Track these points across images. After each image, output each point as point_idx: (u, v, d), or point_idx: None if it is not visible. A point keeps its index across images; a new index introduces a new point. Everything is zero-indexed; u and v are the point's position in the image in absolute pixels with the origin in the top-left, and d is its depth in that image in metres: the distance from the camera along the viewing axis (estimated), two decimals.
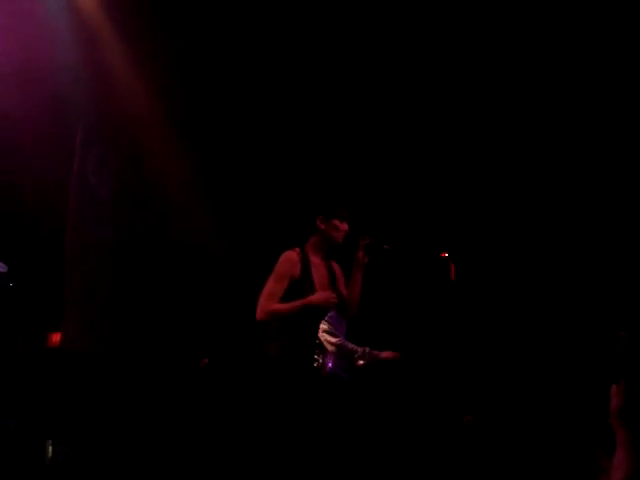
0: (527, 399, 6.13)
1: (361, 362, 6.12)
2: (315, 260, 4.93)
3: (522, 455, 5.42)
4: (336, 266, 5.07)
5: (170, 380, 6.05)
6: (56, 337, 6.45)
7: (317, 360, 6.15)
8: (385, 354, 6.11)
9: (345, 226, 4.95)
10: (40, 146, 6.57)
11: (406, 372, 6.07)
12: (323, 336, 6.09)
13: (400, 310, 6.82)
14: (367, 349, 6.10)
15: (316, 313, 4.94)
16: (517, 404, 6.13)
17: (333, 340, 6.07)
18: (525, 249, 6.73)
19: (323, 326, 6.10)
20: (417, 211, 7.05)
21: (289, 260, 4.82)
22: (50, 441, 5.17)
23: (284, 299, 4.77)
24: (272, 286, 4.75)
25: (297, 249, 4.88)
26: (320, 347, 6.15)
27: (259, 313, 4.71)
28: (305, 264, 4.85)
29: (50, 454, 5.13)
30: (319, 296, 4.76)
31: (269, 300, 4.71)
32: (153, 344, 6.72)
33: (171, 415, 5.67)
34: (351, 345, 6.11)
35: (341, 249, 5.00)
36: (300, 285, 4.81)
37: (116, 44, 6.66)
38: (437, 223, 6.94)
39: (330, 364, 6.16)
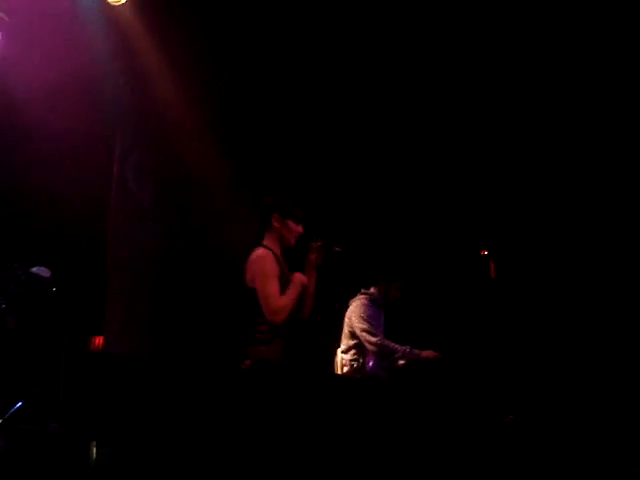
0: (567, 397, 6.06)
1: (402, 362, 6.11)
2: (281, 259, 4.94)
3: (561, 454, 5.35)
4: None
5: (211, 384, 6.07)
6: (99, 340, 6.53)
7: (357, 360, 6.16)
8: (426, 353, 6.09)
9: (299, 228, 4.97)
10: (81, 154, 6.68)
11: (446, 372, 6.03)
12: (362, 336, 6.09)
13: (440, 309, 6.80)
14: (408, 348, 6.08)
15: (297, 310, 4.91)
16: (558, 402, 6.07)
17: (373, 339, 6.06)
18: (563, 248, 6.67)
19: (362, 325, 6.10)
20: (456, 209, 7.01)
21: (270, 258, 4.83)
22: (94, 443, 5.22)
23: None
24: (273, 284, 4.74)
25: (262, 248, 4.90)
26: (360, 347, 6.16)
27: (279, 315, 4.72)
28: (278, 260, 4.88)
29: (94, 456, 5.18)
30: (301, 277, 4.82)
31: (280, 298, 4.73)
32: (194, 347, 6.77)
33: (211, 419, 5.68)
34: (392, 344, 6.10)
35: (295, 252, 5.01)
36: (285, 282, 4.82)
37: (153, 52, 6.74)
38: (476, 221, 6.90)
39: (370, 363, 6.15)
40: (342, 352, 6.22)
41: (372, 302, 6.24)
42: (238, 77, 6.92)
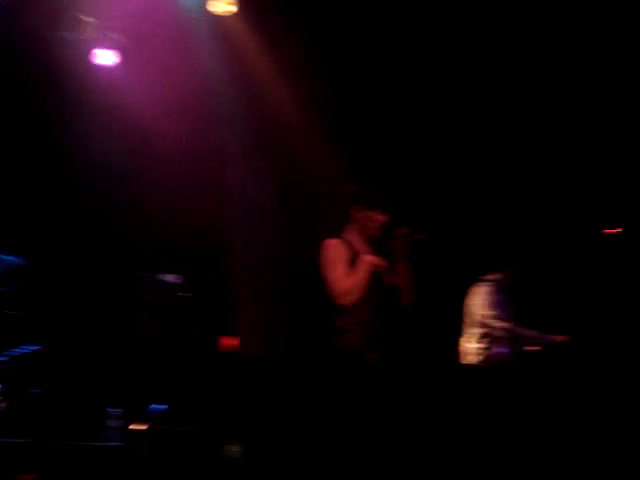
0: None
1: (532, 347, 6.01)
2: (360, 248, 4.78)
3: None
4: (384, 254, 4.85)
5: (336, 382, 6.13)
6: (228, 341, 6.71)
7: (483, 348, 6.09)
8: (557, 338, 5.97)
9: (383, 217, 4.80)
10: (200, 163, 6.90)
11: (577, 356, 5.90)
12: (491, 322, 6.02)
13: (568, 292, 6.64)
14: (538, 333, 5.98)
15: (372, 296, 4.75)
16: None
17: (502, 325, 5.98)
18: None
19: (489, 312, 6.02)
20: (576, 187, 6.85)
21: (336, 245, 4.74)
22: (228, 443, 5.37)
23: None
24: (336, 269, 4.67)
25: (336, 238, 4.78)
26: (484, 336, 6.09)
27: (346, 297, 4.66)
28: (352, 249, 4.74)
29: (229, 455, 5.33)
30: (369, 257, 4.67)
31: (344, 280, 4.65)
32: (317, 346, 6.85)
33: (345, 415, 5.71)
34: (523, 329, 6.01)
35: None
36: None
37: (264, 58, 6.88)
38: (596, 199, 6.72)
39: (500, 349, 6.06)
40: (466, 342, 6.15)
41: (495, 288, 6.15)
42: (347, 74, 6.96)
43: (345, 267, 4.65)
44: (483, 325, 6.08)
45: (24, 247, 6.08)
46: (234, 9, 6.68)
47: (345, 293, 4.65)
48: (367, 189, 4.82)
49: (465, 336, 6.18)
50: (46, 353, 5.43)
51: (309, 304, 7.05)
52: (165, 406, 5.84)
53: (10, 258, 6.03)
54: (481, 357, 6.04)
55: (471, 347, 6.09)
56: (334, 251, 4.70)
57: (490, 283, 6.17)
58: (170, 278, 6.52)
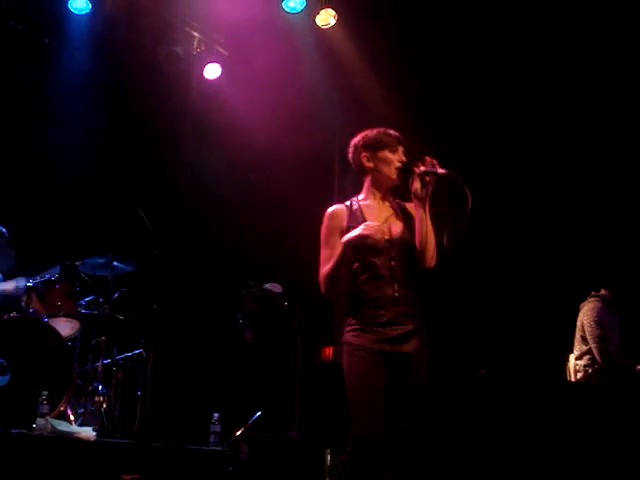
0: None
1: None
2: (371, 204, 3.92)
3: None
4: (411, 207, 3.90)
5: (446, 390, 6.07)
6: (329, 351, 6.73)
7: (592, 365, 5.87)
8: None
9: (398, 156, 3.89)
10: (305, 173, 6.96)
11: None
12: (594, 342, 5.83)
13: None
14: (633, 361, 5.80)
15: (377, 273, 3.76)
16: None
17: (601, 347, 5.80)
18: None
19: (595, 331, 5.82)
20: None
21: (332, 215, 3.88)
22: (328, 450, 5.40)
23: (346, 251, 3.80)
24: (322, 253, 3.82)
25: (348, 200, 3.96)
26: (590, 351, 5.89)
27: (321, 287, 3.81)
28: (355, 211, 3.88)
29: (328, 463, 5.36)
30: (357, 231, 3.75)
31: (322, 267, 3.81)
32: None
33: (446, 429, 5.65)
34: (619, 359, 5.82)
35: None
36: (351, 229, 3.81)
37: (365, 67, 6.90)
38: None
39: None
40: (576, 358, 5.98)
41: (605, 305, 5.97)
42: (449, 81, 6.90)
43: (331, 247, 3.80)
44: (588, 342, 5.91)
45: (131, 254, 6.29)
46: (334, 21, 6.75)
47: (320, 283, 3.83)
48: (371, 130, 3.99)
49: (575, 352, 6.01)
50: (150, 357, 5.56)
51: None
52: (264, 413, 5.92)
53: (120, 265, 6.25)
54: (586, 375, 5.87)
55: (579, 364, 5.92)
56: (324, 228, 3.87)
57: (597, 298, 5.99)
58: (272, 287, 6.61)
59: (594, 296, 6.00)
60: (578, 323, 6.00)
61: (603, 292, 5.99)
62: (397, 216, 3.89)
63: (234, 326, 6.44)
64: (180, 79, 7.12)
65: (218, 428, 5.45)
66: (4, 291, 5.85)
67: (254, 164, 7.21)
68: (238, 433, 5.81)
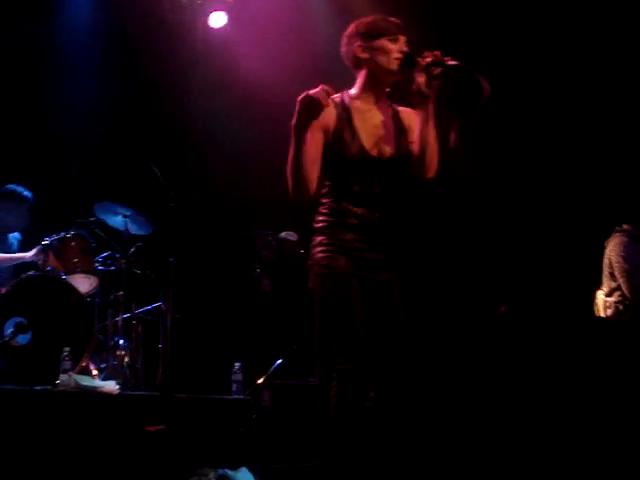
0: None
1: None
2: (361, 106, 3.41)
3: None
4: (408, 116, 3.47)
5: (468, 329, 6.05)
6: None
7: (623, 302, 5.82)
8: None
9: (399, 45, 3.38)
10: None
11: None
12: (623, 277, 5.77)
13: None
14: None
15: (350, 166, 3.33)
16: None
17: (630, 283, 5.75)
18: None
19: (623, 266, 5.76)
20: None
21: (308, 100, 3.21)
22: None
23: (325, 163, 3.33)
24: (296, 149, 3.25)
25: (335, 94, 3.34)
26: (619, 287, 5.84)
27: (294, 192, 3.31)
28: (343, 110, 3.37)
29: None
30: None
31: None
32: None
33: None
34: None
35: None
36: (339, 139, 3.33)
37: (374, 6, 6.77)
38: None
39: None
40: (605, 295, 5.92)
41: (630, 239, 5.90)
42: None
43: (312, 142, 3.27)
44: (616, 278, 5.86)
45: (145, 212, 6.30)
46: None
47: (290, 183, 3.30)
48: (374, 16, 3.46)
49: (604, 289, 5.96)
50: (169, 310, 5.59)
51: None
52: (284, 360, 5.96)
53: (133, 224, 6.27)
54: (617, 310, 5.83)
55: (610, 300, 5.87)
56: (297, 113, 3.21)
57: (622, 233, 5.93)
58: (287, 235, 6.60)
59: (618, 231, 5.94)
60: (605, 260, 5.93)
61: (626, 227, 5.93)
62: (390, 126, 3.43)
63: (251, 275, 6.46)
64: (186, 28, 7.01)
65: (240, 377, 5.50)
66: (23, 258, 5.89)
67: (267, 114, 7.13)
68: (260, 381, 5.86)
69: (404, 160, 3.40)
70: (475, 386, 4.99)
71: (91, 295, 5.99)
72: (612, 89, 6.67)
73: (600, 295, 5.98)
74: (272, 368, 5.96)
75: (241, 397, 5.35)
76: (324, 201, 3.40)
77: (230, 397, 5.34)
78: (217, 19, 7.03)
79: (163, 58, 7.11)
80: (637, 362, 4.71)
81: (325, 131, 3.34)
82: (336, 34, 3.70)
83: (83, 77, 6.88)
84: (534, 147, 6.82)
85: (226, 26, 7.00)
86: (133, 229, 6.32)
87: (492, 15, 6.68)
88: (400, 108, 3.51)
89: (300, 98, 3.22)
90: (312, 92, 3.23)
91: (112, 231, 6.37)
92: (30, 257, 5.85)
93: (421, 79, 3.29)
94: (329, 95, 3.25)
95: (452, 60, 3.27)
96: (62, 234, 5.88)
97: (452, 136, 3.32)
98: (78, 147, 6.97)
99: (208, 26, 7.04)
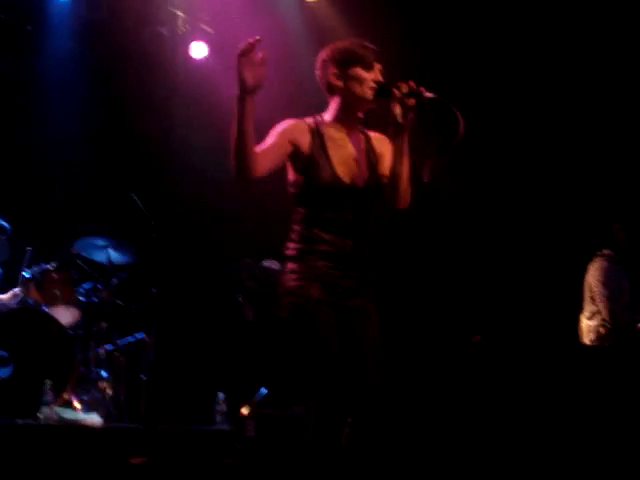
0: None
1: None
2: (334, 133, 3.38)
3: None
4: (379, 143, 3.45)
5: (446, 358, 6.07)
6: None
7: (604, 326, 5.86)
8: None
9: (374, 74, 3.34)
10: None
11: None
12: (602, 302, 5.81)
13: None
14: None
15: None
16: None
17: (610, 307, 5.79)
18: None
19: (602, 291, 5.80)
20: None
21: (291, 123, 3.34)
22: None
23: (298, 190, 3.32)
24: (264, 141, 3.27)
25: (307, 118, 3.40)
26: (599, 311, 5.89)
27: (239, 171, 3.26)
28: (316, 135, 3.34)
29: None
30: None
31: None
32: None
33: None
34: (628, 316, 5.84)
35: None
36: (313, 167, 3.29)
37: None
38: None
39: None
40: (587, 319, 5.97)
41: (610, 262, 5.94)
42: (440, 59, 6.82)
43: (276, 147, 3.27)
44: (597, 302, 5.90)
45: (127, 241, 6.29)
46: None
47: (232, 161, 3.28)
48: (345, 43, 3.41)
49: (585, 313, 5.99)
50: (152, 341, 5.57)
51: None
52: (269, 390, 5.93)
53: (117, 254, 6.25)
54: (599, 335, 5.86)
55: (591, 324, 5.90)
56: (289, 128, 3.32)
57: (602, 257, 5.98)
58: (270, 264, 6.59)
59: (599, 256, 5.99)
60: (586, 284, 5.99)
61: (607, 252, 5.97)
62: (362, 154, 3.41)
63: (234, 305, 6.44)
64: (166, 60, 7.06)
65: (224, 408, 5.46)
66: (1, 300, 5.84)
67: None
68: (244, 411, 5.82)
69: (376, 188, 3.38)
70: (452, 414, 4.98)
71: (73, 327, 5.95)
72: (588, 118, 6.74)
73: (583, 319, 6.02)
74: (256, 398, 5.93)
75: (225, 428, 5.31)
76: (295, 228, 3.35)
77: (214, 428, 5.31)
78: (198, 50, 7.09)
79: (145, 89, 7.14)
80: (615, 391, 4.73)
81: (293, 145, 3.31)
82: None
83: (62, 109, 6.88)
84: (510, 169, 6.87)
85: (207, 57, 7.07)
86: (115, 258, 6.30)
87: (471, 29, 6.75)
88: (372, 134, 3.49)
89: (285, 121, 3.30)
90: (296, 120, 3.32)
91: (94, 263, 6.35)
92: (6, 299, 5.79)
93: (396, 110, 3.25)
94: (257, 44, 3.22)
95: (428, 92, 3.23)
96: (43, 266, 5.85)
97: (426, 171, 3.28)
98: (59, 178, 6.96)
99: (189, 56, 7.11)
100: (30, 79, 6.91)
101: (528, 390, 4.75)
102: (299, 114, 3.38)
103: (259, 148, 3.24)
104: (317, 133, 3.34)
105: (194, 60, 7.13)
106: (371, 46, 3.39)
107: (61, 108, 6.89)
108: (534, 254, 6.81)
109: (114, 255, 6.27)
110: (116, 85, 7.10)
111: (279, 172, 3.37)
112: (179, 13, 6.88)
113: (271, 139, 3.27)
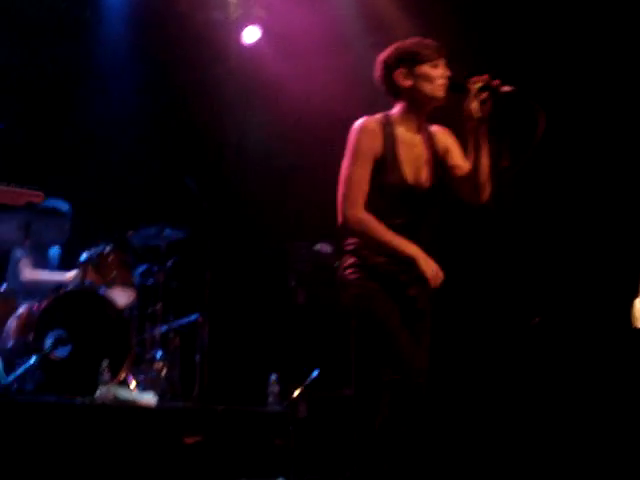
0: None
1: None
2: (404, 134, 3.38)
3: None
4: (443, 137, 3.49)
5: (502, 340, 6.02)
6: None
7: None
8: None
9: (441, 70, 3.34)
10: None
11: None
12: None
13: None
14: None
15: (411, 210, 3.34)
16: None
17: None
18: None
19: None
20: None
21: (367, 130, 3.31)
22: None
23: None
24: (354, 171, 3.26)
25: (378, 116, 3.38)
26: None
27: (341, 215, 3.27)
28: (389, 137, 3.33)
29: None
30: (426, 264, 3.24)
31: (357, 194, 3.25)
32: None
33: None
34: None
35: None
36: (381, 168, 3.31)
37: (406, 22, 6.78)
38: None
39: None
40: None
41: None
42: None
43: (368, 171, 3.29)
44: None
45: (181, 221, 6.37)
46: None
47: (347, 212, 3.26)
48: (405, 42, 3.41)
49: None
50: (206, 322, 5.64)
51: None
52: (320, 371, 5.98)
53: (171, 233, 6.34)
54: None
55: None
56: (361, 137, 3.32)
57: None
58: (322, 247, 6.62)
59: None
60: None
61: None
62: (429, 154, 3.42)
63: (286, 288, 6.49)
64: (220, 45, 7.10)
65: (276, 389, 5.52)
66: (62, 281, 5.96)
67: (302, 128, 7.16)
68: (296, 393, 5.87)
69: (440, 187, 3.42)
70: (508, 397, 4.97)
71: (129, 308, 6.06)
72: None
73: (637, 304, 5.91)
74: (308, 380, 5.98)
75: (278, 409, 5.37)
76: None
77: (267, 409, 5.37)
78: (251, 34, 7.12)
79: (198, 74, 7.20)
80: None
81: (374, 155, 3.32)
82: (370, 51, 3.72)
83: (119, 96, 6.99)
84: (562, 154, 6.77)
85: (260, 41, 7.08)
86: (170, 236, 6.37)
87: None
88: (434, 130, 3.50)
89: (359, 127, 3.33)
90: (368, 121, 3.34)
91: (150, 246, 6.45)
92: (69, 280, 5.91)
93: (473, 105, 3.25)
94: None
95: (504, 85, 3.23)
96: (100, 248, 5.96)
97: (506, 165, 3.29)
98: (117, 162, 7.06)
99: (242, 41, 7.14)
100: (87, 65, 7.01)
101: (583, 375, 4.72)
102: (350, 101, 3.42)
103: (361, 193, 3.27)
104: (389, 134, 3.35)
105: (247, 45, 7.16)
106: (433, 42, 3.39)
107: (117, 94, 7.00)
108: (590, 238, 6.73)
109: (169, 234, 6.35)
110: (170, 70, 7.16)
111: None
112: None
113: (361, 168, 3.28)
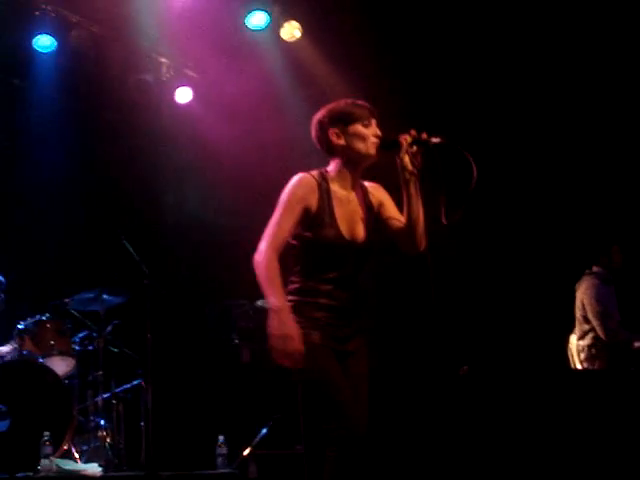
0: None
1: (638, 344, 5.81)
2: (339, 190, 3.46)
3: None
4: (376, 192, 3.57)
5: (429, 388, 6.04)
6: None
7: (595, 345, 5.85)
8: None
9: (373, 130, 3.44)
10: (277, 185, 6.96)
11: None
12: (597, 320, 5.80)
13: None
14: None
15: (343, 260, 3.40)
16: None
17: (609, 326, 5.77)
18: None
19: (596, 308, 5.80)
20: None
21: (303, 184, 3.38)
22: None
23: (301, 244, 3.38)
24: (282, 216, 3.31)
25: (314, 172, 3.44)
26: (596, 331, 5.87)
27: (258, 248, 3.29)
28: (324, 193, 3.40)
29: None
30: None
31: (278, 236, 3.28)
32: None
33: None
34: (625, 334, 5.80)
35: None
36: (317, 223, 3.37)
37: (331, 76, 6.90)
38: None
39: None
40: (578, 339, 5.94)
41: (600, 281, 5.94)
42: (419, 88, 6.89)
43: (293, 218, 3.33)
44: (589, 321, 5.88)
45: (120, 285, 6.28)
46: (300, 34, 6.76)
47: (261, 249, 3.29)
48: (338, 102, 3.51)
49: (576, 333, 5.97)
50: (149, 387, 5.55)
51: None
52: (269, 430, 5.91)
53: (110, 297, 6.24)
54: (590, 354, 5.84)
55: (582, 344, 5.87)
56: (294, 190, 3.37)
57: (592, 276, 5.97)
58: (264, 304, 6.59)
59: (588, 274, 5.98)
60: (578, 303, 5.94)
61: (596, 269, 5.97)
62: (363, 209, 3.50)
63: (230, 347, 6.44)
64: (152, 106, 7.11)
65: (224, 450, 5.44)
66: None
67: (238, 186, 7.19)
68: (245, 453, 5.79)
69: (375, 242, 3.48)
70: (441, 447, 4.95)
71: (69, 377, 5.93)
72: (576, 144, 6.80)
73: (573, 339, 6.01)
74: (257, 439, 5.90)
75: (227, 471, 5.28)
76: (294, 279, 3.43)
77: (216, 472, 5.28)
78: (183, 95, 7.15)
79: (130, 136, 7.19)
80: (609, 417, 4.70)
81: (305, 208, 3.36)
82: (305, 108, 3.77)
83: (50, 161, 6.92)
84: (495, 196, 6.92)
85: (192, 101, 7.13)
86: (109, 301, 6.27)
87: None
88: (368, 185, 3.58)
89: (297, 181, 3.39)
90: (304, 176, 3.40)
91: (88, 312, 6.34)
92: (6, 353, 5.77)
93: (405, 159, 3.37)
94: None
95: (433, 137, 3.34)
96: (37, 317, 5.85)
97: (443, 215, 3.34)
98: (49, 229, 6.96)
99: (174, 102, 7.17)
100: (17, 131, 6.95)
101: (518, 419, 4.73)
102: (285, 157, 3.46)
103: (282, 237, 3.31)
104: (325, 190, 3.42)
105: (180, 105, 7.19)
106: (364, 103, 3.49)
107: (49, 158, 6.93)
108: (517, 280, 6.83)
109: (107, 299, 6.25)
110: (103, 133, 7.14)
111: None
112: (163, 60, 6.94)
113: (286, 214, 3.33)
